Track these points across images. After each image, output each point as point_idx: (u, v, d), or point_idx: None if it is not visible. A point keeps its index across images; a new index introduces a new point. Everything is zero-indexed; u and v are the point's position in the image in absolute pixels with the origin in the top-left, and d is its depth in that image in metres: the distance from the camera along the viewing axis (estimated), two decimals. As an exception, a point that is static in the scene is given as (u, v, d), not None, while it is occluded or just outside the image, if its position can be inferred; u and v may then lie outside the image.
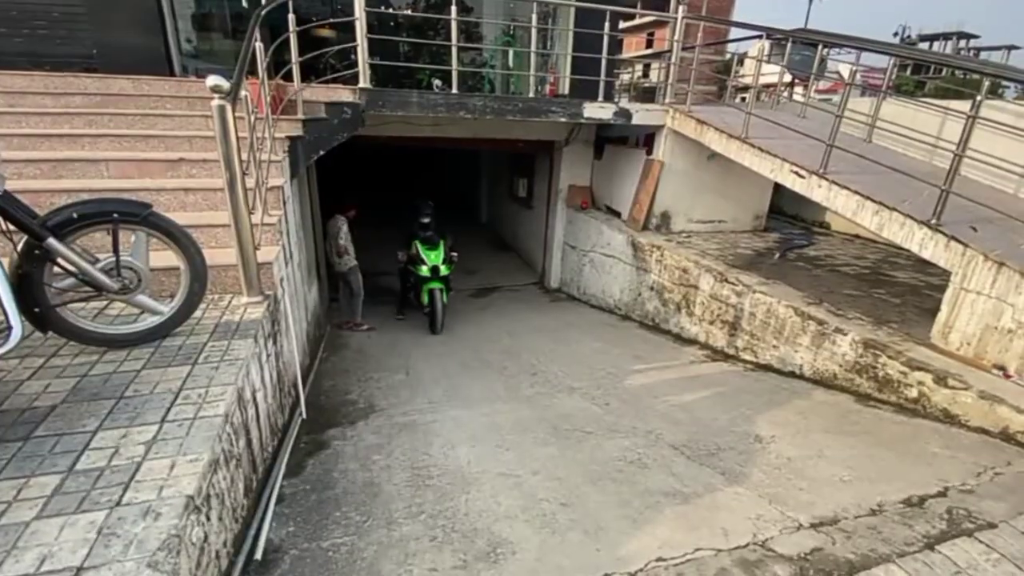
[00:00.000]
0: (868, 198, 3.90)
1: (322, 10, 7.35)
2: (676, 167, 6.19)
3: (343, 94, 5.01)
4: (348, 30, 5.04)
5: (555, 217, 7.98)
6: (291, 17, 4.10)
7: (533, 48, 5.99)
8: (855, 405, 3.53)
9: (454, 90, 5.50)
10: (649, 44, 33.76)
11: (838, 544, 2.08)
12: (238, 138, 2.53)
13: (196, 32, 6.54)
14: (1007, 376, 3.18)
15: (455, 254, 6.13)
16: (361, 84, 5.03)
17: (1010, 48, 41.10)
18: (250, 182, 2.86)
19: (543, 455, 3.01)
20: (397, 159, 13.63)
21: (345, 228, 5.84)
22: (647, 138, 6.43)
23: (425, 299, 5.94)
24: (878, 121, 5.15)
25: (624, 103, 6.24)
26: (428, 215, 6.11)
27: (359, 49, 4.88)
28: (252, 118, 3.09)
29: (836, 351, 3.83)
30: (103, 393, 1.90)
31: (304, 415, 3.38)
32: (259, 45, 3.50)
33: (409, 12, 8.00)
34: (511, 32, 8.10)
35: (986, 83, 4.05)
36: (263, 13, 3.35)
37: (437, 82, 7.36)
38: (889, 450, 2.90)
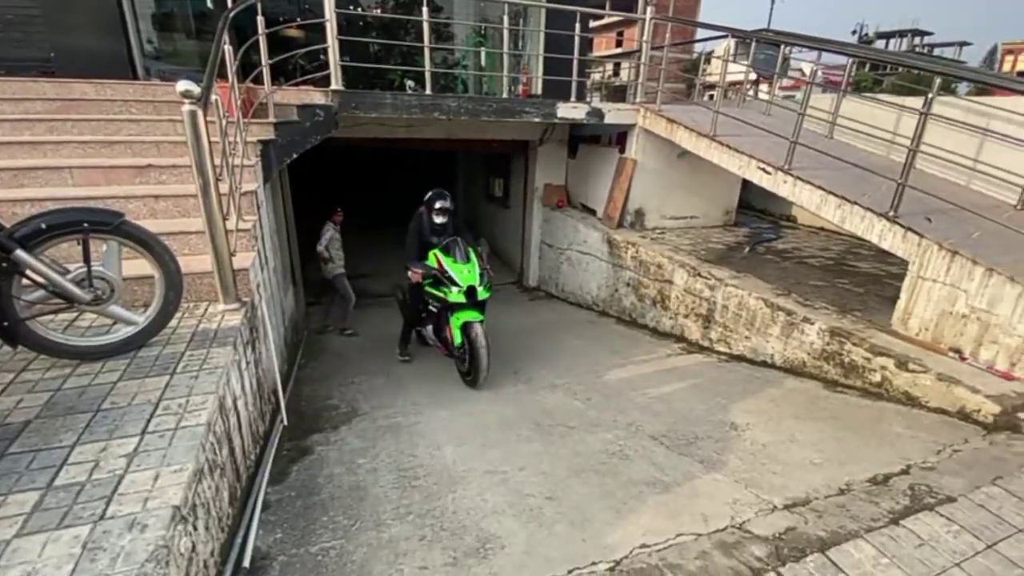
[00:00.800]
0: (831, 192, 4.07)
1: (290, 10, 7.25)
2: (648, 165, 6.32)
3: (315, 96, 4.96)
4: (318, 31, 4.99)
5: (532, 216, 8.04)
6: (260, 19, 4.04)
7: (505, 49, 6.03)
8: (823, 391, 3.69)
9: (427, 91, 5.49)
10: (619, 43, 34.17)
11: (810, 523, 2.18)
12: (210, 143, 2.49)
13: (158, 33, 6.36)
14: (963, 359, 3.37)
15: (488, 268, 4.37)
16: (333, 86, 4.98)
17: (962, 44, 43.04)
18: (223, 187, 2.81)
19: (528, 451, 3.06)
20: (371, 160, 13.49)
21: (329, 234, 5.79)
22: (619, 137, 6.54)
23: (458, 338, 4.15)
24: (839, 118, 5.36)
25: (596, 103, 6.34)
26: (445, 212, 4.39)
27: (330, 50, 4.83)
28: (223, 122, 3.04)
29: (804, 340, 3.99)
30: (79, 407, 1.86)
31: (285, 422, 3.35)
32: (228, 48, 3.44)
33: (379, 12, 7.95)
34: (483, 32, 8.13)
35: (937, 80, 4.26)
36: (231, 16, 3.30)
37: (410, 83, 7.34)
38: (855, 433, 3.05)
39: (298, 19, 6.88)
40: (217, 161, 2.76)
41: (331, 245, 5.84)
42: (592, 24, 12.79)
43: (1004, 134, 4.19)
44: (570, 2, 6.16)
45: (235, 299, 2.76)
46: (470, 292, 4.05)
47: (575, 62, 5.99)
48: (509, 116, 5.85)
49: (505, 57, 6.09)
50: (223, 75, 3.38)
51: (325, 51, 4.88)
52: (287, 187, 6.06)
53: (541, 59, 7.11)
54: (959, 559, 1.93)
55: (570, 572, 1.98)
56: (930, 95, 3.63)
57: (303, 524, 2.33)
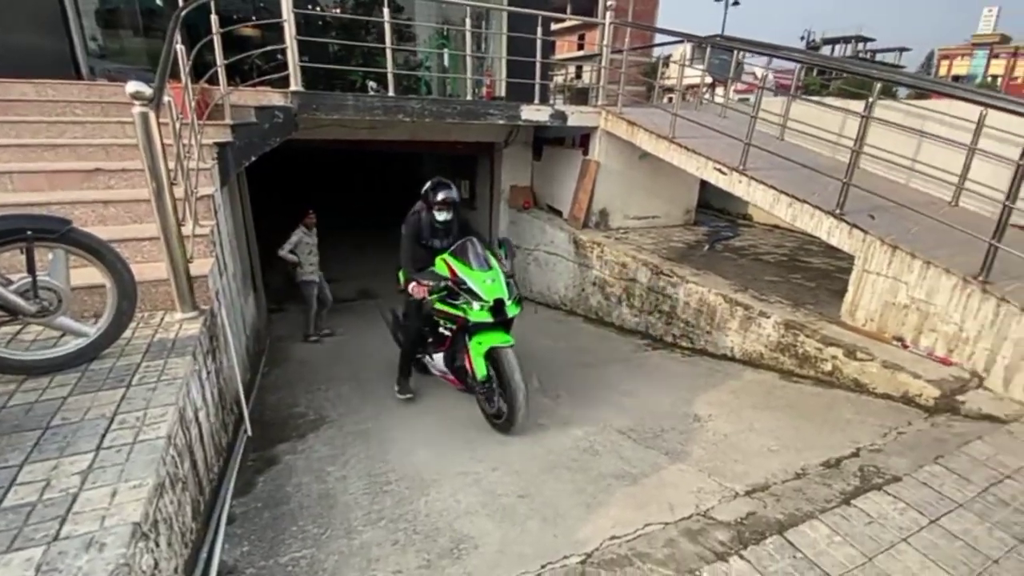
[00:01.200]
0: (782, 192, 4.27)
1: (244, 8, 7.06)
2: (611, 166, 6.45)
3: (274, 97, 4.84)
4: (275, 30, 4.88)
5: (498, 217, 8.07)
6: (214, 18, 3.92)
7: (468, 51, 6.04)
8: (780, 381, 3.86)
9: (390, 92, 5.45)
10: (580, 47, 34.63)
11: (769, 507, 2.29)
12: (163, 146, 2.42)
13: (103, 31, 6.08)
14: (905, 346, 3.59)
15: (514, 275, 3.52)
16: (293, 87, 4.88)
17: (902, 50, 45.73)
18: (178, 192, 2.73)
19: (500, 451, 3.08)
20: (335, 160, 13.25)
21: (295, 238, 5.68)
22: (583, 139, 6.65)
23: (481, 369, 3.28)
24: (789, 120, 5.61)
25: (559, 105, 6.43)
26: (449, 206, 3.54)
27: (289, 51, 4.73)
28: (177, 124, 2.95)
29: (761, 333, 4.16)
30: (26, 424, 1.77)
31: (249, 432, 3.26)
32: (180, 47, 3.33)
33: (339, 12, 7.83)
34: (445, 34, 8.11)
35: (877, 85, 4.53)
36: (183, 14, 3.19)
37: (372, 84, 7.25)
38: (810, 420, 3.21)
39: (253, 18, 6.71)
40: (171, 164, 2.68)
41: (300, 249, 5.72)
42: (554, 27, 12.95)
43: (939, 135, 4.48)
44: (531, 5, 6.23)
45: (193, 307, 2.67)
46: (497, 308, 3.19)
47: (537, 65, 6.06)
48: (473, 118, 5.86)
49: (468, 59, 6.10)
50: (175, 75, 3.27)
51: (283, 51, 4.78)
52: (246, 190, 5.89)
53: (504, 62, 7.15)
54: (906, 534, 2.06)
55: (543, 567, 2.02)
56: (871, 99, 3.86)
57: (271, 535, 2.28)
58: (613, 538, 2.17)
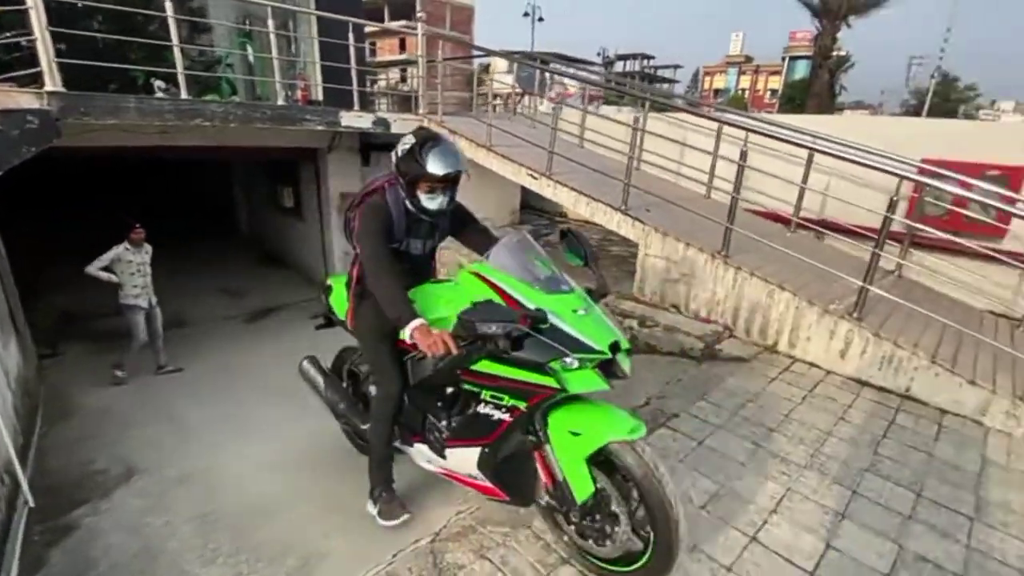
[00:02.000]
0: (581, 192, 4.97)
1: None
2: (439, 172, 6.67)
3: (22, 99, 4.00)
4: (17, 14, 4.03)
5: (331, 227, 7.76)
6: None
7: (275, 53, 5.70)
8: (594, 354, 4.50)
9: (184, 94, 4.90)
10: (403, 48, 34.41)
11: (585, 458, 2.74)
12: None
13: None
14: (679, 312, 4.50)
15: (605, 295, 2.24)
16: (48, 87, 4.09)
17: (676, 67, 54.78)
18: None
19: (348, 462, 3.06)
20: (124, 165, 11.15)
21: (112, 253, 4.78)
22: (410, 145, 6.76)
23: (587, 484, 1.72)
24: (587, 131, 6.49)
25: (382, 112, 6.45)
26: (450, 186, 2.11)
27: (40, 43, 3.95)
28: None
29: (578, 315, 4.80)
30: None
31: (31, 503, 2.74)
32: None
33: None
34: (248, 31, 7.48)
35: (647, 104, 5.54)
36: None
37: (159, 84, 6.36)
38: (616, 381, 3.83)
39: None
40: None
41: (119, 267, 4.82)
42: (372, 29, 12.76)
43: (694, 144, 5.65)
44: (344, 10, 6.13)
45: (-71, 362, 2.17)
46: (609, 361, 1.77)
47: (353, 71, 5.99)
48: (288, 123, 5.58)
49: (276, 62, 5.76)
50: None
51: (32, 42, 3.97)
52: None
53: (319, 66, 6.89)
54: (682, 456, 2.67)
55: (394, 556, 2.12)
56: (640, 116, 4.73)
57: (78, 607, 2.00)
58: (458, 513, 2.37)
